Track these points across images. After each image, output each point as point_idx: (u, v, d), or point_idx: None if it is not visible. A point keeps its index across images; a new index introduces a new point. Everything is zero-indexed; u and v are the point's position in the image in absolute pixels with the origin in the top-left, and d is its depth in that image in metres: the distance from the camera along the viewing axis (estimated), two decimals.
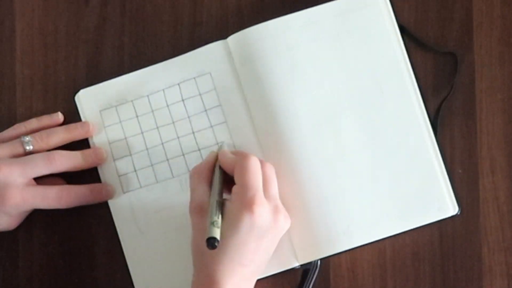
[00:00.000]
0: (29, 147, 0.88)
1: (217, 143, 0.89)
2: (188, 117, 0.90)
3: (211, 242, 0.78)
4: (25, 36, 0.93)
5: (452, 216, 0.88)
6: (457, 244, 0.89)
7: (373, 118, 0.88)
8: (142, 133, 0.90)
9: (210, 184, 0.84)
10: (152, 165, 0.90)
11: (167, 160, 0.90)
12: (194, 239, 0.83)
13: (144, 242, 0.90)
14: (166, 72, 0.90)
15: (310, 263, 0.88)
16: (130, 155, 0.90)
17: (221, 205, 0.82)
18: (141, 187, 0.90)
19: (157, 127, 0.90)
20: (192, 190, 0.84)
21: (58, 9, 0.93)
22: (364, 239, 0.88)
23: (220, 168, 0.85)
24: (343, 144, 0.88)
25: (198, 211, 0.82)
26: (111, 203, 0.90)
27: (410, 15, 0.90)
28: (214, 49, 0.90)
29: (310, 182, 0.88)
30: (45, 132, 0.89)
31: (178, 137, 0.90)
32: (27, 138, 0.88)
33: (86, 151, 0.90)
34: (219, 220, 0.80)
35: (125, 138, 0.91)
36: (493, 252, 0.88)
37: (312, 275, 0.88)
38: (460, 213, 0.88)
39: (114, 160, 0.90)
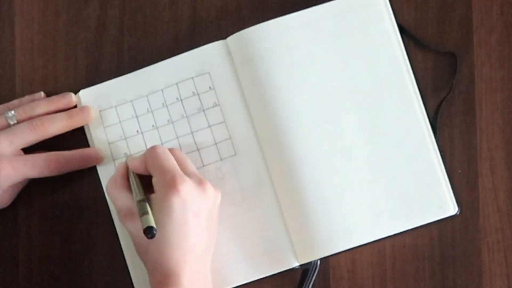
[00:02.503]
0: (13, 122, 0.88)
1: (215, 143, 0.89)
2: (187, 117, 0.90)
3: (149, 231, 0.78)
4: (25, 36, 0.93)
5: (452, 216, 0.88)
6: (457, 244, 0.89)
7: (373, 118, 0.88)
8: (141, 133, 0.90)
9: (129, 189, 0.84)
10: None
11: None
12: (136, 243, 0.83)
13: None
14: (165, 72, 0.90)
15: (310, 263, 0.88)
16: (130, 155, 0.90)
17: (147, 200, 0.81)
18: None
19: (157, 127, 0.90)
20: (114, 201, 0.84)
21: (58, 10, 0.93)
22: (364, 238, 0.88)
23: (133, 172, 0.85)
24: (342, 144, 0.88)
25: (129, 216, 0.82)
26: (111, 203, 0.90)
27: (410, 15, 0.90)
28: (213, 49, 0.90)
29: (310, 182, 0.88)
30: (28, 105, 0.89)
31: (177, 137, 0.90)
32: (10, 113, 0.88)
33: (72, 111, 0.90)
34: (149, 211, 0.80)
35: (125, 138, 0.91)
36: (492, 252, 0.88)
37: (311, 275, 0.88)
38: (460, 213, 0.88)
39: (113, 160, 0.90)
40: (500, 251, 0.88)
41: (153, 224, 0.78)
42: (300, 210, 0.87)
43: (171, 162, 0.83)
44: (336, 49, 0.89)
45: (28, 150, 0.89)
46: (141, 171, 0.84)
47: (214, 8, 0.92)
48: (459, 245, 0.89)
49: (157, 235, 0.78)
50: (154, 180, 0.82)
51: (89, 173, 0.91)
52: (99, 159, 0.90)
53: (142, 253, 0.83)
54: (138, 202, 0.81)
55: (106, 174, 0.90)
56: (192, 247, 0.81)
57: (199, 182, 0.82)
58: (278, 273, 0.89)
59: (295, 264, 0.89)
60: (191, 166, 0.85)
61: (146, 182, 0.84)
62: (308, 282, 0.89)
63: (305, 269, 0.89)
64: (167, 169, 0.81)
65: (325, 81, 0.89)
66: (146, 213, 0.79)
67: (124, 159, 0.88)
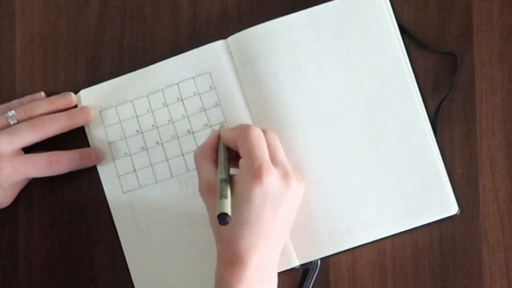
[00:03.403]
0: (13, 122, 0.88)
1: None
2: (188, 116, 0.90)
3: (222, 218, 0.77)
4: (25, 36, 0.93)
5: (452, 216, 0.88)
6: (457, 244, 0.89)
7: (374, 117, 0.88)
8: (141, 133, 0.90)
9: (216, 162, 0.83)
10: (151, 165, 0.90)
11: (167, 160, 0.90)
12: (211, 218, 0.83)
13: (144, 242, 0.90)
14: (166, 71, 0.90)
15: (310, 262, 0.88)
16: (130, 155, 0.90)
17: (229, 181, 0.81)
18: (140, 187, 0.90)
19: (157, 127, 0.90)
20: (199, 171, 0.83)
21: (58, 9, 0.93)
22: (365, 238, 0.88)
23: (224, 145, 0.84)
24: (344, 144, 0.88)
25: (208, 191, 0.82)
26: (111, 203, 0.90)
27: (410, 15, 0.90)
28: (214, 48, 0.90)
29: (311, 182, 0.88)
30: (28, 106, 0.89)
31: (177, 137, 0.90)
32: (10, 113, 0.88)
33: (72, 110, 0.90)
34: (229, 195, 0.79)
35: (125, 138, 0.91)
36: (493, 252, 0.88)
37: (312, 274, 0.88)
38: (460, 213, 0.88)
39: (113, 160, 0.90)
40: (500, 251, 0.88)
41: (228, 211, 0.78)
42: (301, 210, 0.87)
43: (262, 149, 0.82)
44: (337, 49, 0.89)
45: (28, 150, 0.89)
46: (231, 145, 0.83)
47: (214, 8, 0.92)
48: (459, 245, 0.89)
49: (232, 218, 0.78)
50: (241, 162, 0.81)
51: (89, 173, 0.91)
52: (99, 159, 0.90)
53: (215, 228, 0.82)
54: (220, 181, 0.80)
55: (106, 174, 0.90)
56: (265, 236, 0.80)
57: (285, 175, 0.82)
58: (278, 272, 0.89)
59: (296, 263, 0.88)
60: (281, 155, 0.84)
61: (234, 153, 0.83)
62: (309, 282, 0.89)
63: (305, 269, 0.89)
64: (256, 156, 0.81)
65: (326, 81, 0.89)
66: (224, 196, 0.79)
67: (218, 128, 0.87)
